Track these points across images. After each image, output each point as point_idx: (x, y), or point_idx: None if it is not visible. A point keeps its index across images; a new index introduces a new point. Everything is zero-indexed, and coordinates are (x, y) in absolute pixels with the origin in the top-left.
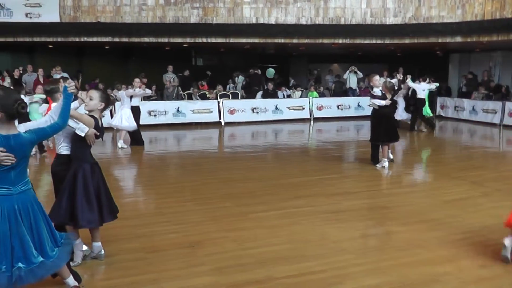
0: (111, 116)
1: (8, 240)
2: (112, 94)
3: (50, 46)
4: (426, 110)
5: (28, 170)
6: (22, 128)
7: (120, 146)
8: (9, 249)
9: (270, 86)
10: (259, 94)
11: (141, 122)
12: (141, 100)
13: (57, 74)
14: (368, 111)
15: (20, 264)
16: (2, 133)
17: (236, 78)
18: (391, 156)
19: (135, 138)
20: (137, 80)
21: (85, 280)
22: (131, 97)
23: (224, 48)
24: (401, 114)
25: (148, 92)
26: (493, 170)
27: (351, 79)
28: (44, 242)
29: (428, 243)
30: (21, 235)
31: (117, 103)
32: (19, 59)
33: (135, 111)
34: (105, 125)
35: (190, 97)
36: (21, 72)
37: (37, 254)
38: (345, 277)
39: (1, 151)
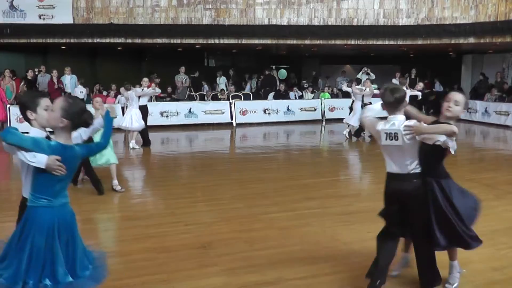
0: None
1: (42, 255)
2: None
3: (63, 47)
4: None
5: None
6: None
7: (132, 147)
8: (40, 265)
9: (282, 87)
10: (271, 95)
11: (153, 123)
12: (151, 101)
13: (67, 75)
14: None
15: (47, 281)
16: (61, 141)
17: (250, 81)
18: None
19: (142, 138)
20: (145, 79)
21: None
22: (139, 96)
23: (237, 49)
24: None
25: (158, 91)
26: (506, 172)
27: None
28: (77, 260)
29: None
30: (55, 251)
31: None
32: (32, 60)
33: (143, 110)
34: (115, 126)
35: (202, 98)
36: (36, 73)
37: (66, 273)
38: (357, 279)
39: (57, 159)
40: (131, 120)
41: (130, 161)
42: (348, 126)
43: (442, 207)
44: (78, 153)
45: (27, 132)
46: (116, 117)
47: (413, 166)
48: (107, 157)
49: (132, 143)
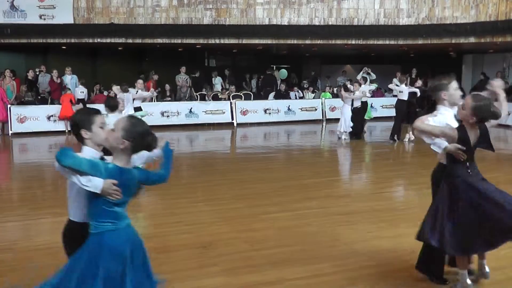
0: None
1: (118, 282)
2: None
3: (64, 47)
4: (369, 114)
5: None
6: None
7: None
8: None
9: (282, 87)
10: (272, 95)
11: (154, 123)
12: (152, 101)
13: (67, 75)
14: (380, 112)
15: None
16: (119, 164)
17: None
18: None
19: None
20: (140, 81)
21: None
22: (133, 99)
23: (237, 49)
24: (345, 125)
25: (155, 94)
26: (506, 172)
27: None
28: (152, 279)
29: None
30: (126, 277)
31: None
32: (33, 61)
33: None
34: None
35: (203, 98)
36: (37, 73)
37: None
38: (357, 279)
39: (113, 183)
40: None
41: None
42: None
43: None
44: (136, 177)
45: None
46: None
47: None
48: None
49: None
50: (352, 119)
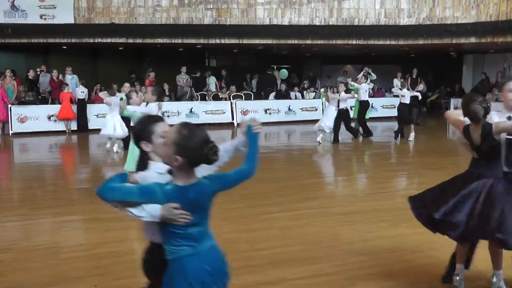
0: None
1: None
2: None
3: (64, 47)
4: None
5: None
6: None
7: (115, 151)
8: None
9: (283, 87)
10: (272, 95)
11: None
12: None
13: (68, 75)
14: (381, 112)
15: None
16: (179, 183)
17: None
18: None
19: (126, 142)
20: (126, 84)
21: (98, 279)
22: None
23: (238, 49)
24: (327, 124)
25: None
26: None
27: None
28: None
29: (441, 246)
30: None
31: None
32: (33, 60)
33: (126, 117)
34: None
35: (203, 98)
36: (38, 73)
37: None
38: (358, 279)
39: (175, 208)
40: (114, 127)
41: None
42: (320, 132)
43: None
44: (207, 189)
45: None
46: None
47: None
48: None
49: (116, 147)
50: (336, 122)
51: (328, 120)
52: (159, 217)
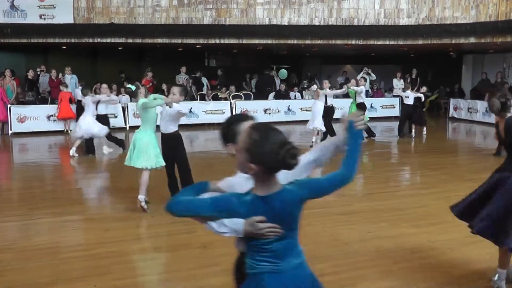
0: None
1: None
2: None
3: (64, 47)
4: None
5: None
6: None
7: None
8: None
9: (282, 87)
10: (272, 95)
11: None
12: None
13: (67, 74)
14: (380, 113)
15: None
16: (260, 193)
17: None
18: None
19: (89, 145)
20: (104, 86)
21: (97, 279)
22: (97, 104)
23: (237, 49)
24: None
25: (114, 98)
26: None
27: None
28: None
29: (441, 246)
30: None
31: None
32: (33, 60)
33: (103, 120)
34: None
35: (203, 98)
36: (38, 73)
37: None
38: (358, 279)
39: (262, 222)
40: (89, 128)
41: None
42: (314, 130)
43: None
44: (294, 197)
45: None
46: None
47: None
48: (154, 160)
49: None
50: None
51: (320, 117)
52: (243, 233)
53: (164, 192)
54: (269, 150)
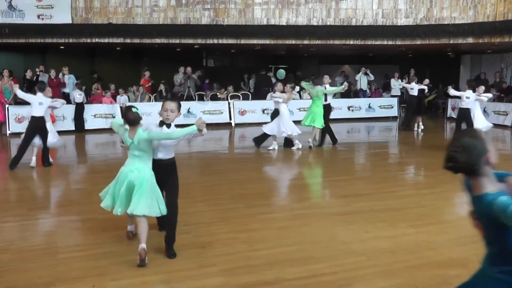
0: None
1: None
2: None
3: (62, 47)
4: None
5: None
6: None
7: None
8: None
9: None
10: (270, 95)
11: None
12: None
13: (64, 74)
14: (378, 113)
15: None
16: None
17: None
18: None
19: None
20: (48, 88)
21: (95, 280)
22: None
23: (235, 49)
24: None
25: (58, 105)
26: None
27: (362, 81)
28: None
29: (439, 246)
30: None
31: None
32: (31, 60)
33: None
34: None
35: (201, 98)
36: (37, 74)
37: None
38: (355, 279)
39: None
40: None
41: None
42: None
43: None
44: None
45: None
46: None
47: None
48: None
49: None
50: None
51: (287, 122)
52: None
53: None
54: (480, 150)
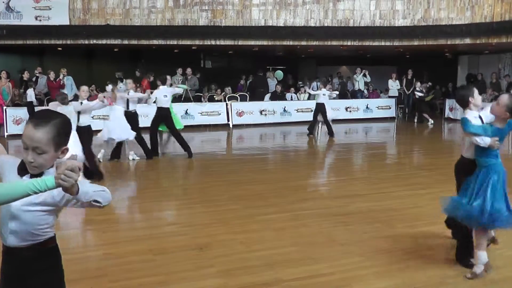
0: None
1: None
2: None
3: (60, 48)
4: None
5: None
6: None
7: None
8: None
9: (278, 88)
10: (267, 96)
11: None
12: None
13: (62, 75)
14: (376, 114)
15: None
16: (499, 127)
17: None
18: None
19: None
20: (85, 88)
21: (94, 281)
22: (79, 112)
23: (233, 51)
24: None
25: (100, 104)
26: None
27: (360, 81)
28: None
29: (437, 246)
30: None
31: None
32: (29, 62)
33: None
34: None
35: (198, 99)
36: (36, 75)
37: None
38: (353, 280)
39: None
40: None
41: (127, 164)
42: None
43: None
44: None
45: None
46: None
47: None
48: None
49: (132, 155)
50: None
51: (121, 126)
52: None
53: (159, 192)
54: None
